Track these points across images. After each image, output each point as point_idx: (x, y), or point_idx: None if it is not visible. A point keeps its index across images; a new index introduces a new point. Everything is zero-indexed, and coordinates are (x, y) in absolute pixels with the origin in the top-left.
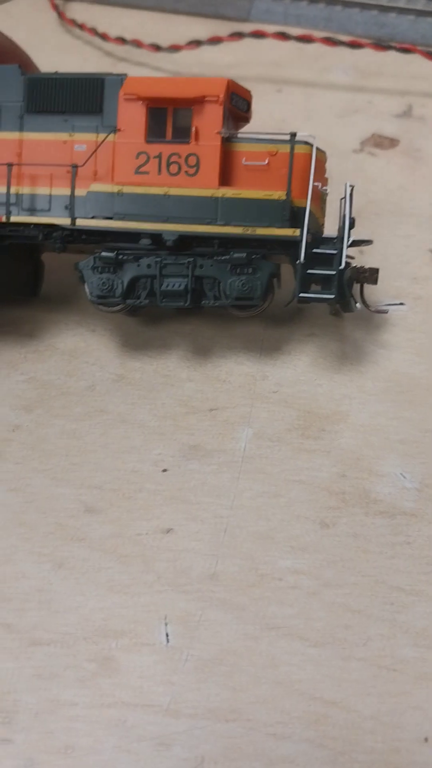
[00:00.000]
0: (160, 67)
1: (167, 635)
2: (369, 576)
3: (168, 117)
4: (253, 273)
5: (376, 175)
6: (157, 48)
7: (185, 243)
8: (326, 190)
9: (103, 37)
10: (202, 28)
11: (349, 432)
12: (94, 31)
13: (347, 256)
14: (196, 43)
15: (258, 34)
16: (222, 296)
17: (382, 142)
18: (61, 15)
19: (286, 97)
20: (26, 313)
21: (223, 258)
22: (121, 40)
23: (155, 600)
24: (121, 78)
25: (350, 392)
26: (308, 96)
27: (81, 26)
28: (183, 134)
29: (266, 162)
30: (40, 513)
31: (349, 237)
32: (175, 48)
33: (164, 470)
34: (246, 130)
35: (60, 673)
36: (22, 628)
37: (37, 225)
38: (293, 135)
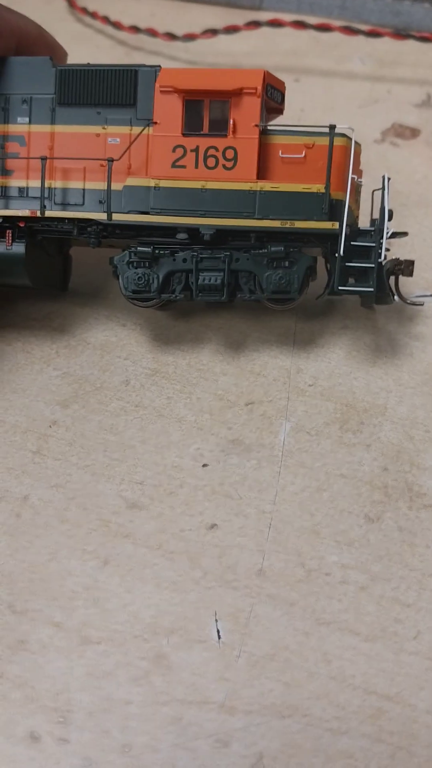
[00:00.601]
0: (175, 56)
1: (218, 632)
2: (416, 570)
3: (205, 109)
4: (290, 267)
5: (400, 165)
6: (172, 37)
7: (221, 237)
8: (361, 182)
9: (116, 25)
10: (215, 17)
11: (389, 425)
12: (106, 20)
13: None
14: (212, 32)
15: (275, 23)
16: (258, 290)
17: (403, 132)
18: (71, 3)
19: (305, 87)
20: (56, 308)
21: (260, 252)
22: (135, 29)
23: (204, 596)
24: (155, 69)
25: (387, 385)
26: (327, 86)
27: (93, 14)
28: (220, 127)
29: (303, 154)
30: (82, 509)
31: (387, 229)
32: (190, 37)
33: (205, 465)
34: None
35: (112, 671)
36: (71, 627)
37: (71, 220)
38: (332, 127)
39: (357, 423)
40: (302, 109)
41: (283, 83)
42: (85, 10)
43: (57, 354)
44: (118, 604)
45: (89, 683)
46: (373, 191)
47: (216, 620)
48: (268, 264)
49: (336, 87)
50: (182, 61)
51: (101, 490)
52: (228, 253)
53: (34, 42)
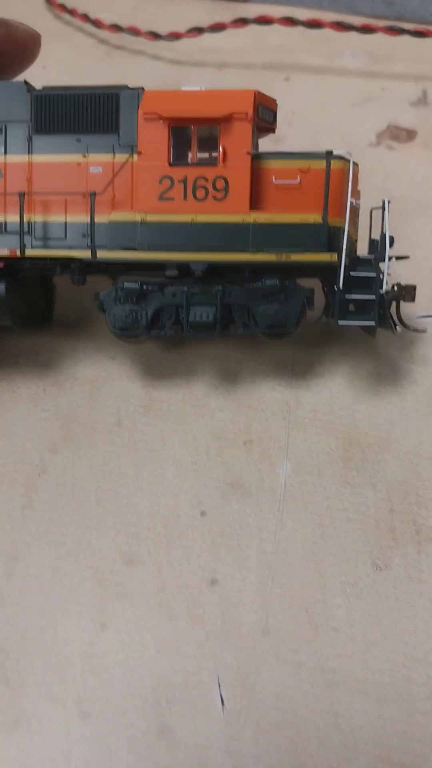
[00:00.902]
0: (159, 55)
1: (222, 699)
2: (429, 621)
3: (193, 137)
4: (286, 300)
5: (397, 169)
6: (155, 36)
7: (213, 270)
8: (359, 204)
9: (96, 23)
10: (201, 12)
11: (395, 461)
12: (85, 17)
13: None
14: (197, 31)
15: (263, 20)
16: (252, 323)
17: (399, 135)
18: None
19: (296, 86)
20: (42, 340)
21: (254, 285)
22: (116, 28)
23: (207, 659)
24: (137, 93)
25: (391, 416)
26: (319, 84)
27: (71, 12)
28: (209, 156)
29: (298, 180)
30: (77, 567)
31: (388, 258)
32: (174, 36)
33: (203, 513)
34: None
35: (114, 747)
36: (70, 700)
37: (54, 258)
38: (329, 153)
39: (361, 460)
40: (293, 111)
41: (274, 101)
42: (63, 7)
43: (44, 392)
44: (117, 673)
45: (91, 760)
46: (372, 210)
47: (219, 685)
48: (263, 297)
49: (328, 84)
50: (167, 61)
51: (96, 545)
52: (220, 287)
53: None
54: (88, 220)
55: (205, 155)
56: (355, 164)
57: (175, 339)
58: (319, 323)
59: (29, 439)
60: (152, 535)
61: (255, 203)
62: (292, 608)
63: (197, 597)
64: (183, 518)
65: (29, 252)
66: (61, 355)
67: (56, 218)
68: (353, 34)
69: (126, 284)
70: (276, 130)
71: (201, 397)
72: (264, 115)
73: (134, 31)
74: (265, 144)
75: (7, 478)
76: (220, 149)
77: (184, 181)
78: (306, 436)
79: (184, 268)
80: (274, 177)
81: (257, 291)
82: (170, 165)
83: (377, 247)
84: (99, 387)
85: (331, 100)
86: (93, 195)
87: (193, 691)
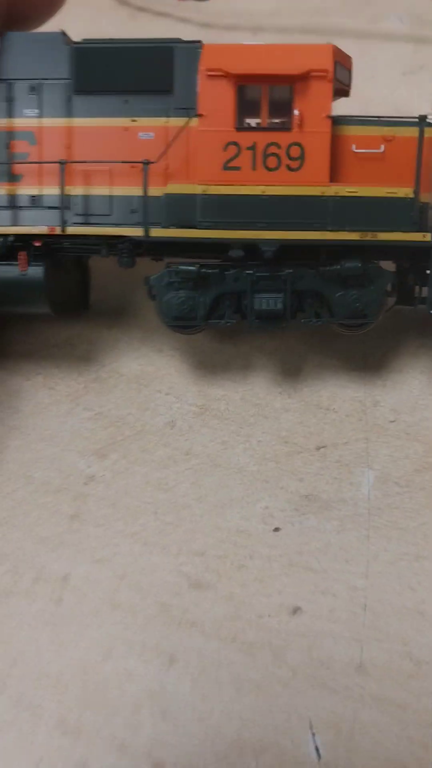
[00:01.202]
0: (186, 17)
1: (317, 748)
2: None
3: (263, 98)
4: (366, 286)
5: None
6: None
7: (283, 252)
8: None
9: None
10: None
11: None
12: None
13: None
14: None
15: None
16: (326, 312)
17: None
18: None
19: None
20: (78, 330)
21: (331, 269)
22: None
23: (295, 701)
24: (195, 47)
25: None
26: (362, 50)
27: None
28: (283, 119)
29: (382, 149)
30: (136, 590)
31: None
32: None
33: (276, 529)
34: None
35: None
36: (138, 748)
37: (99, 236)
38: (423, 118)
39: None
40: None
41: (350, 59)
42: None
43: (86, 389)
44: (192, 717)
45: None
46: None
47: (312, 733)
48: (341, 283)
49: (373, 51)
50: (195, 24)
51: (156, 565)
52: (290, 271)
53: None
54: (138, 193)
55: (277, 119)
56: None
57: (233, 329)
58: (389, 311)
59: (73, 443)
60: (220, 553)
61: (332, 175)
62: (389, 641)
63: (278, 627)
64: (254, 535)
65: (71, 230)
66: (102, 348)
67: (100, 191)
68: None
69: (182, 267)
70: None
71: (263, 395)
72: (341, 75)
73: None
74: None
75: (51, 486)
76: (296, 112)
77: (253, 148)
78: (388, 441)
79: (250, 249)
80: (354, 145)
81: (334, 275)
82: (237, 129)
83: None
84: (147, 384)
85: (378, 68)
86: (146, 164)
87: (282, 738)
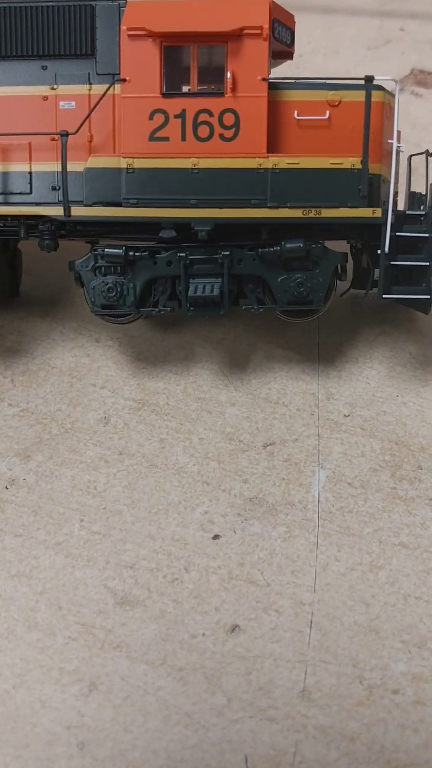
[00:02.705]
0: None
1: None
2: None
3: (192, 59)
4: (312, 268)
5: (426, 120)
6: None
7: (220, 232)
8: (402, 147)
9: None
10: None
11: None
12: None
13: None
14: None
15: None
16: (268, 299)
17: (425, 80)
18: None
19: (301, 27)
20: (7, 320)
21: (272, 250)
22: None
23: (230, 733)
24: (117, 4)
25: None
26: (327, 24)
27: None
28: (214, 83)
29: (327, 116)
30: (56, 609)
31: None
32: None
33: (216, 537)
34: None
35: None
36: None
37: (16, 216)
38: (369, 79)
39: (414, 467)
40: (300, 54)
41: (292, 17)
42: None
43: (13, 384)
44: (112, 751)
45: None
46: (410, 156)
47: None
48: (283, 265)
49: (338, 25)
50: None
51: (80, 579)
52: (228, 253)
53: None
54: (58, 168)
55: (208, 83)
56: (391, 95)
57: (172, 315)
58: (343, 295)
59: None
60: (152, 565)
61: (272, 145)
62: (338, 664)
63: (213, 648)
64: (191, 543)
65: None
66: (33, 338)
67: (18, 167)
68: None
69: (108, 251)
70: (294, 56)
71: (207, 388)
72: (280, 34)
73: None
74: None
75: None
76: (228, 74)
77: (182, 116)
78: (342, 437)
79: (183, 229)
80: (296, 112)
81: (275, 257)
82: (163, 95)
83: (421, 201)
84: (81, 377)
85: (342, 42)
86: (65, 135)
87: None
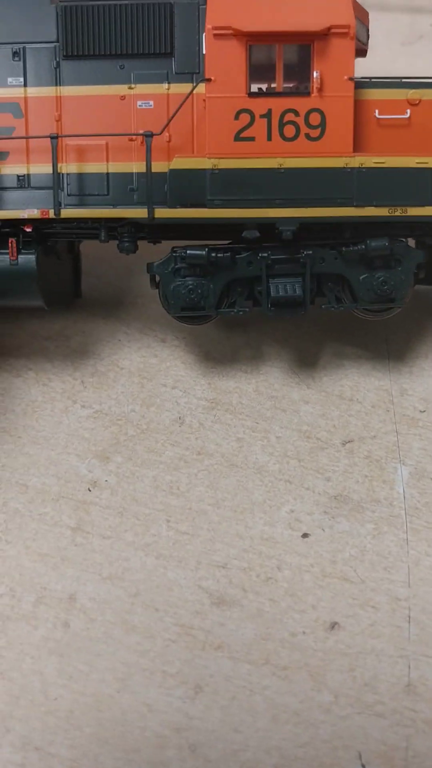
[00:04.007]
0: None
1: None
2: None
3: (278, 59)
4: (394, 266)
5: None
6: None
7: (301, 231)
8: None
9: None
10: None
11: None
12: None
13: None
14: None
15: None
16: (347, 297)
17: None
18: None
19: None
20: (72, 320)
21: (354, 249)
22: None
23: (340, 730)
24: (197, 2)
25: None
26: None
27: None
28: (301, 82)
29: (407, 114)
30: (152, 610)
31: None
32: None
33: (305, 535)
34: None
35: None
36: None
37: (96, 219)
38: None
39: None
40: None
41: (367, 13)
42: None
43: (83, 385)
44: (225, 751)
45: None
46: None
47: (362, 766)
48: (365, 264)
49: (370, 21)
50: None
51: (173, 580)
52: (310, 252)
53: None
54: (137, 169)
55: (293, 82)
56: None
57: (236, 316)
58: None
59: (71, 445)
60: (244, 565)
61: (356, 144)
62: None
63: (315, 646)
64: (281, 542)
65: (66, 212)
66: (99, 339)
67: (95, 167)
68: None
69: (190, 252)
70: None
71: (279, 386)
72: (359, 32)
73: None
74: None
75: (49, 495)
76: (315, 74)
77: (268, 116)
78: (420, 432)
79: (263, 229)
80: (377, 111)
81: (357, 256)
82: (249, 95)
83: None
84: (151, 377)
85: (375, 38)
86: (149, 136)
87: None
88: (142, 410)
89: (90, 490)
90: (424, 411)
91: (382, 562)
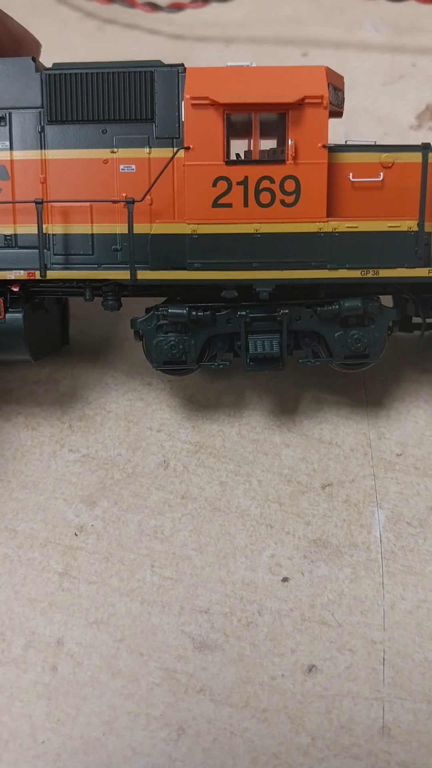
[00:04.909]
0: (156, 29)
1: None
2: None
3: (254, 128)
4: (368, 324)
5: None
6: (154, 7)
7: (277, 291)
8: None
9: None
10: None
11: None
12: None
13: None
14: (203, 1)
15: None
16: (323, 352)
17: None
18: None
19: (316, 62)
20: (60, 365)
21: (330, 308)
22: None
23: None
24: (176, 70)
25: None
26: (340, 59)
27: None
28: (278, 153)
29: (380, 177)
30: (136, 655)
31: None
32: (176, 7)
33: (285, 579)
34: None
35: None
36: None
37: (82, 279)
38: (426, 146)
39: None
40: None
41: (342, 79)
42: None
43: (71, 429)
44: None
45: None
46: None
47: None
48: (340, 322)
49: (351, 60)
50: (165, 35)
51: (157, 625)
52: (286, 311)
53: (13, 41)
54: (120, 230)
55: (269, 150)
56: None
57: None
58: (416, 346)
59: (59, 490)
60: (226, 610)
61: (329, 207)
62: (413, 700)
63: (293, 689)
64: (261, 587)
65: (52, 274)
66: (86, 384)
67: (80, 229)
68: (371, 3)
69: (171, 310)
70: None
71: (260, 429)
72: (334, 98)
73: (129, 2)
74: None
75: (37, 540)
76: (290, 142)
77: (245, 183)
78: (397, 476)
79: (244, 289)
80: (351, 174)
81: (332, 314)
82: (227, 163)
83: None
84: (137, 421)
85: (357, 78)
86: (131, 202)
87: None
88: (128, 454)
89: (77, 535)
90: (400, 454)
91: (359, 606)
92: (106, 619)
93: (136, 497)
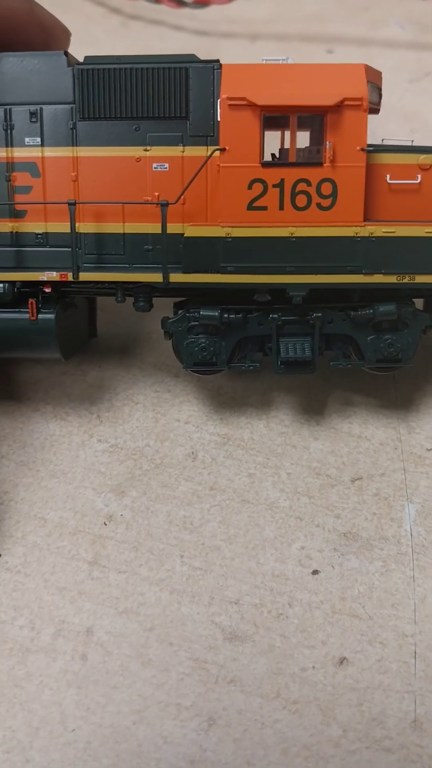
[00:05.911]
0: (180, 25)
1: None
2: None
3: (291, 129)
4: (401, 329)
5: None
6: (179, 3)
7: (310, 294)
8: None
9: None
10: None
11: None
12: None
13: None
14: None
15: None
16: (355, 355)
17: None
18: None
19: (341, 59)
20: (88, 356)
21: (363, 312)
22: None
23: (349, 765)
24: (212, 67)
25: None
26: (366, 57)
27: None
28: (313, 153)
29: (418, 179)
30: (166, 645)
31: None
32: (202, 3)
33: (315, 572)
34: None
35: None
36: None
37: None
38: None
39: None
40: None
41: (379, 74)
42: None
43: (99, 419)
44: None
45: None
46: None
47: None
48: (373, 326)
49: (376, 58)
50: (189, 31)
51: (186, 615)
52: (319, 315)
53: (22, 21)
54: (152, 230)
55: (304, 149)
56: None
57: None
58: None
59: (88, 479)
60: (256, 601)
61: (366, 209)
62: None
63: (324, 680)
64: (291, 579)
65: (84, 276)
66: (114, 375)
67: (112, 228)
68: (395, 1)
69: (203, 312)
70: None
71: (288, 422)
72: (372, 96)
73: None
74: None
75: (66, 528)
76: (328, 144)
77: (281, 186)
78: (427, 470)
79: (277, 292)
80: (388, 176)
81: (365, 319)
82: (263, 165)
83: None
84: (164, 412)
85: (383, 75)
86: (165, 205)
87: None
88: (156, 445)
89: (106, 524)
90: (431, 449)
91: (389, 599)
92: (135, 608)
93: (164, 488)
